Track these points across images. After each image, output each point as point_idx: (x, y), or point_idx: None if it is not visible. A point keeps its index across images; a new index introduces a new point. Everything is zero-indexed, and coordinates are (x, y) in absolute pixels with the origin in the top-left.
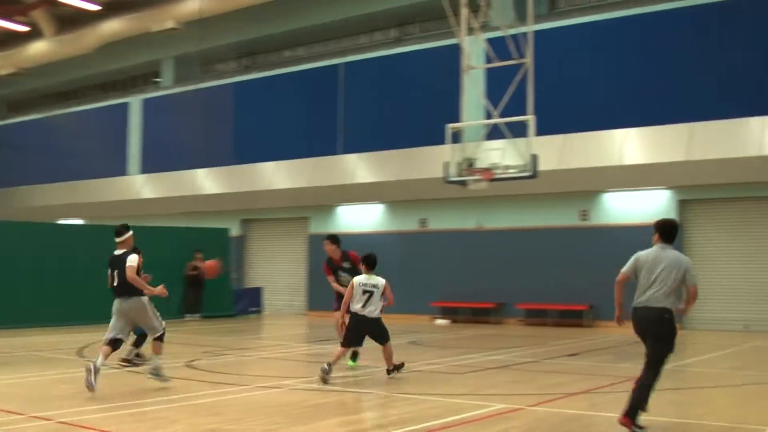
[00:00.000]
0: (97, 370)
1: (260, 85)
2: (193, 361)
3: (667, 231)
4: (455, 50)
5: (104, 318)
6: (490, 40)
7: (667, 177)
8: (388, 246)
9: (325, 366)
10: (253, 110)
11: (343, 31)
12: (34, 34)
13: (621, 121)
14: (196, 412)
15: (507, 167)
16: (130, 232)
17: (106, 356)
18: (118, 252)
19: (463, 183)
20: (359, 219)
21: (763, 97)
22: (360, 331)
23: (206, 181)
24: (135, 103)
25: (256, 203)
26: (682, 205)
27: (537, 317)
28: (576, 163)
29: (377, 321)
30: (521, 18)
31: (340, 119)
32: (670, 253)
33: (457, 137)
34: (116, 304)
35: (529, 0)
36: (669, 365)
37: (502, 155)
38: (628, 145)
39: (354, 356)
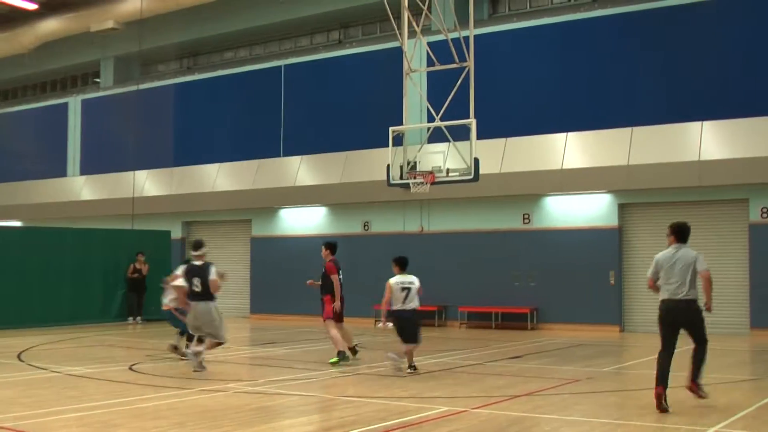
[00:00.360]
0: (198, 353)
1: (202, 86)
2: (135, 364)
3: (681, 232)
4: (397, 53)
5: (41, 322)
6: (432, 44)
7: (607, 181)
8: None
9: (404, 368)
10: (195, 112)
11: (285, 33)
12: None
13: (562, 125)
14: (139, 416)
15: (449, 170)
16: (207, 247)
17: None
18: (198, 263)
19: (405, 186)
20: (302, 221)
21: (702, 103)
22: (411, 325)
23: (147, 182)
24: (74, 103)
25: (198, 205)
26: (623, 208)
27: (480, 320)
28: (518, 166)
29: (418, 314)
30: (462, 22)
31: (282, 121)
32: (683, 251)
33: (399, 140)
34: (194, 307)
35: (470, 4)
36: (609, 368)
37: (444, 158)
38: (569, 148)
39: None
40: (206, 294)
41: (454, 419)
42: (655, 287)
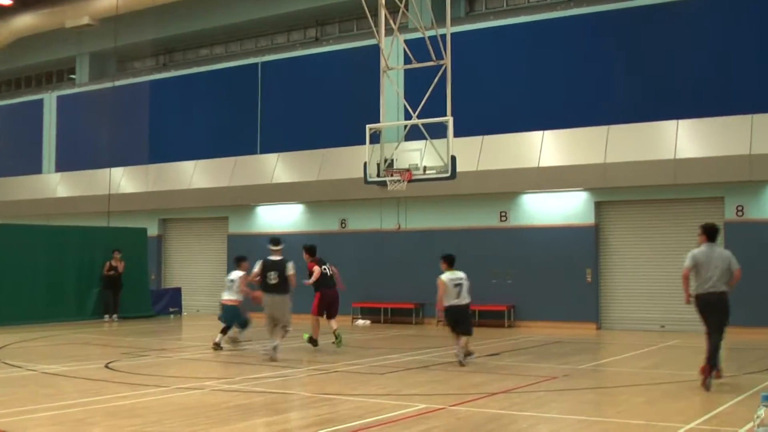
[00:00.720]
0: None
1: (178, 83)
2: (111, 362)
3: (712, 233)
4: (374, 51)
5: (15, 319)
6: (409, 42)
7: (583, 179)
8: None
9: (462, 358)
10: (171, 108)
11: (262, 30)
12: None
13: (538, 123)
14: (115, 414)
15: (426, 168)
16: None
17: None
18: (276, 258)
19: (382, 183)
20: (279, 219)
21: (677, 101)
22: (465, 318)
23: (123, 179)
24: (49, 99)
25: (175, 203)
26: (599, 206)
27: None
28: (494, 164)
29: (469, 307)
30: (439, 20)
31: (259, 118)
32: (717, 250)
33: (376, 138)
34: (270, 299)
35: (447, 2)
36: (586, 365)
37: (421, 156)
38: (545, 146)
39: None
40: (283, 287)
41: (431, 416)
42: (686, 279)
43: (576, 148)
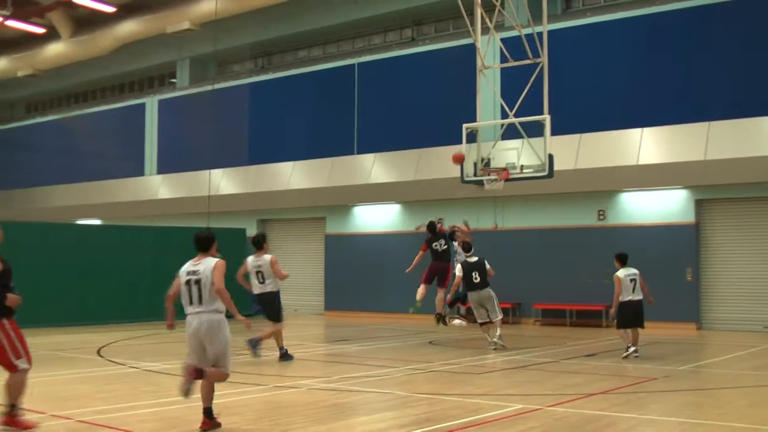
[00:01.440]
0: (500, 337)
1: (276, 85)
2: None
3: None
4: (470, 50)
5: (120, 318)
6: (505, 40)
7: (683, 176)
8: (404, 246)
9: (633, 352)
10: (269, 110)
11: (358, 31)
12: (51, 35)
13: (637, 121)
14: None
15: (523, 167)
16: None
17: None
18: (472, 260)
19: (479, 183)
20: (376, 219)
21: None
22: (639, 313)
23: (223, 181)
24: (151, 103)
25: (273, 203)
26: (700, 204)
27: (554, 317)
28: (592, 162)
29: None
30: (536, 18)
31: (356, 119)
32: None
33: (472, 137)
34: (476, 295)
35: (543, 0)
36: (686, 366)
37: (518, 155)
38: (644, 144)
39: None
40: (484, 283)
41: (528, 417)
42: None
43: (675, 145)
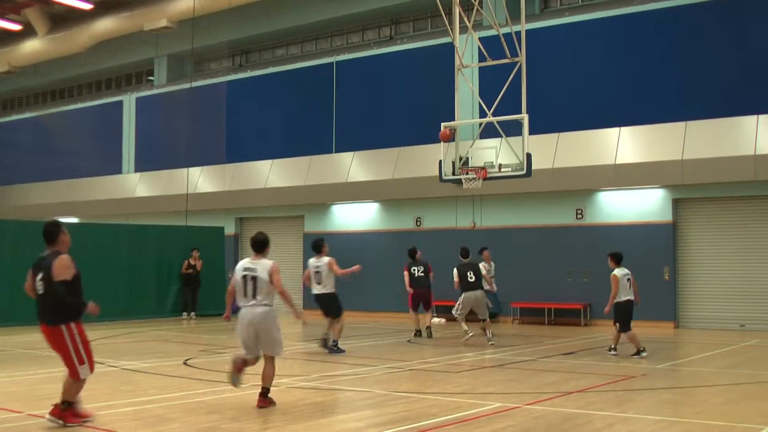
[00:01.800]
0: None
1: (253, 83)
2: (189, 359)
3: None
4: (448, 49)
5: (97, 317)
6: (483, 39)
7: (661, 176)
8: (383, 245)
9: (641, 351)
10: (247, 108)
11: (336, 29)
12: (27, 32)
13: (615, 120)
14: (193, 410)
15: (501, 166)
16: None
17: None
18: (467, 260)
19: (458, 182)
20: (354, 217)
21: (755, 96)
22: (632, 312)
23: (201, 179)
24: (129, 101)
25: (251, 201)
26: (677, 204)
27: (533, 316)
28: (570, 162)
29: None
30: (514, 17)
31: (334, 118)
32: None
33: (451, 136)
34: (473, 295)
35: None
36: (663, 364)
37: (496, 154)
38: (622, 143)
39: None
40: (478, 284)
41: (507, 415)
42: None
43: (653, 145)
